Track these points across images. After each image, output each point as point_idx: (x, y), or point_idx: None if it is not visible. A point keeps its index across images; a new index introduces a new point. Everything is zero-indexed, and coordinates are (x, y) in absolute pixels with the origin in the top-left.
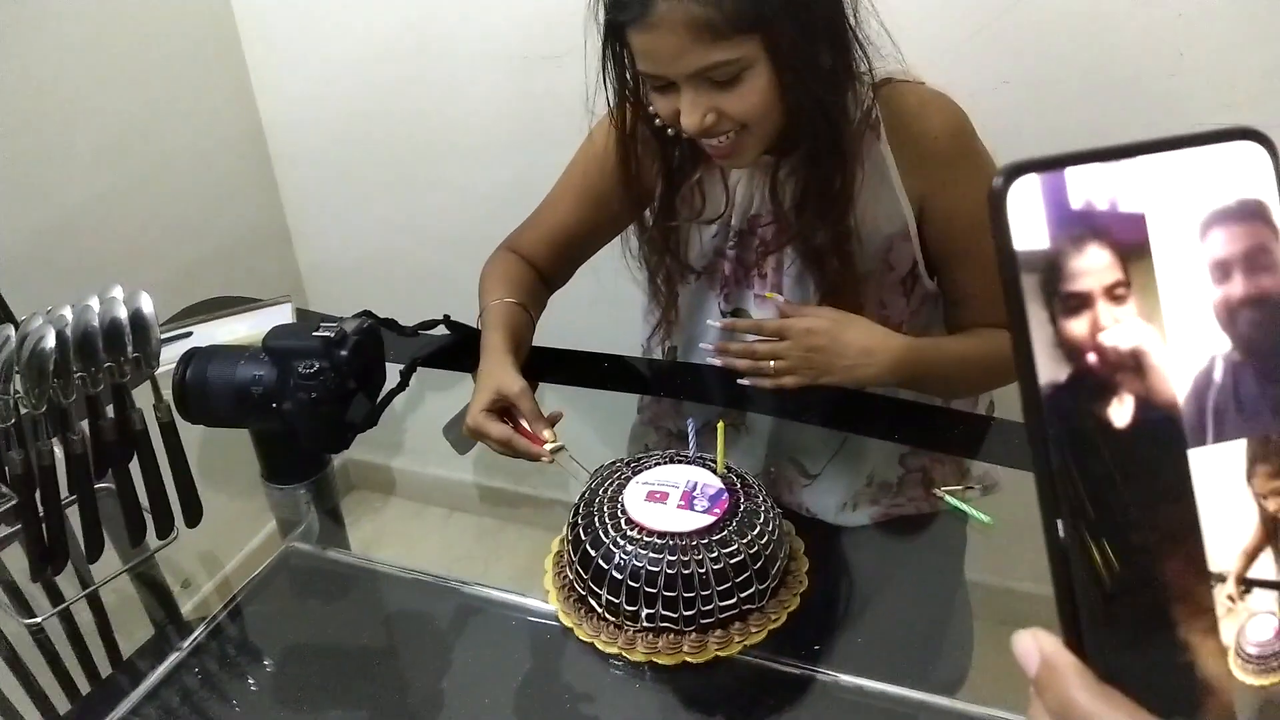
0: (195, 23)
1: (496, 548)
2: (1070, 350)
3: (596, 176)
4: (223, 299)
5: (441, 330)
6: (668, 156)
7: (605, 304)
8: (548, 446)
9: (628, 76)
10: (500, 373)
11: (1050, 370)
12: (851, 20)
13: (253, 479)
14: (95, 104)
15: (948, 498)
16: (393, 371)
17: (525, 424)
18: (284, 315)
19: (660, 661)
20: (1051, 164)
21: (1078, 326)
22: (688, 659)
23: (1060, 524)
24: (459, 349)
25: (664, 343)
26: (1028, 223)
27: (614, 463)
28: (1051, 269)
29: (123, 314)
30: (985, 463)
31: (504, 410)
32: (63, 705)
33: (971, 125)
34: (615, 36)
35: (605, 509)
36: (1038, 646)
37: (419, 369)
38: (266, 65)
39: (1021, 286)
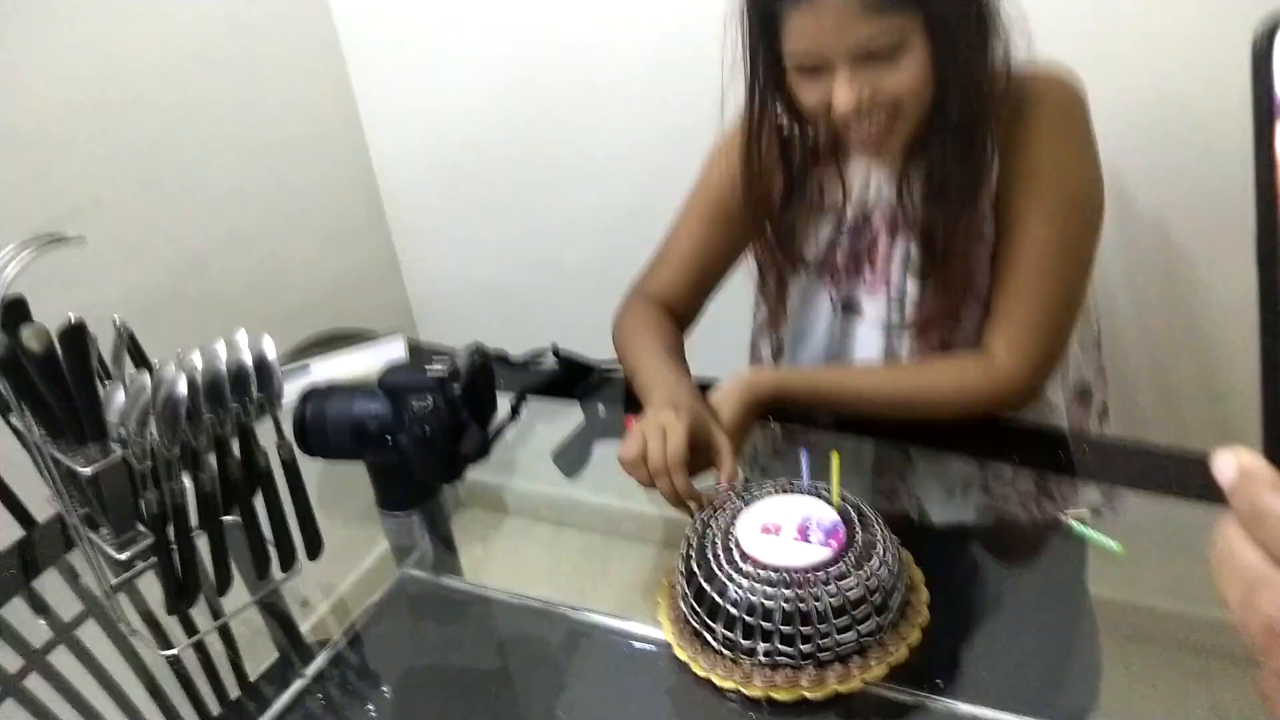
0: (310, 69)
1: (605, 564)
2: None
3: (726, 193)
4: (337, 333)
5: (549, 360)
6: (789, 160)
7: (702, 328)
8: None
9: (764, 68)
10: (698, 402)
11: None
12: (996, 4)
13: (365, 506)
14: (220, 150)
15: (1075, 525)
16: (503, 400)
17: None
18: (396, 348)
19: (778, 697)
20: None
21: None
22: (806, 694)
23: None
24: (566, 379)
25: (772, 335)
26: None
27: (725, 491)
28: None
29: (248, 359)
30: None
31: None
32: None
33: (1086, 104)
34: (768, 21)
35: (718, 542)
36: (1236, 459)
37: (528, 398)
38: (377, 104)
39: (1275, 133)
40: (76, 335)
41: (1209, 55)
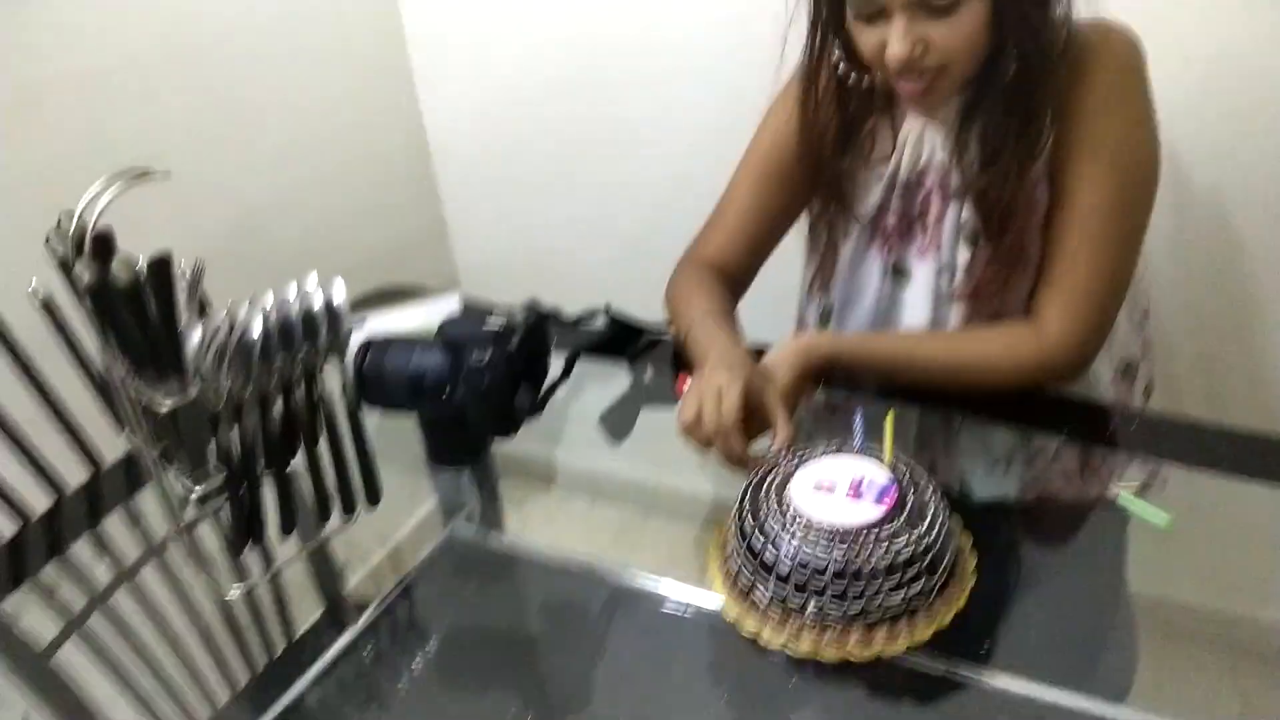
0: (365, 31)
1: (640, 538)
2: None
3: (779, 154)
4: (391, 289)
5: (601, 321)
6: (845, 102)
7: (748, 296)
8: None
9: (827, 6)
10: (758, 376)
11: None
12: None
13: (413, 461)
14: (275, 109)
15: (1122, 495)
16: (556, 358)
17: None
18: (452, 306)
19: (824, 658)
20: None
21: None
22: (853, 654)
23: None
24: (619, 340)
25: (821, 299)
26: None
27: (777, 452)
28: None
29: (318, 304)
30: (1154, 460)
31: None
32: (244, 676)
33: (1144, 64)
34: None
35: (772, 500)
36: None
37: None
38: (432, 67)
39: None
40: (163, 267)
41: (1263, 17)
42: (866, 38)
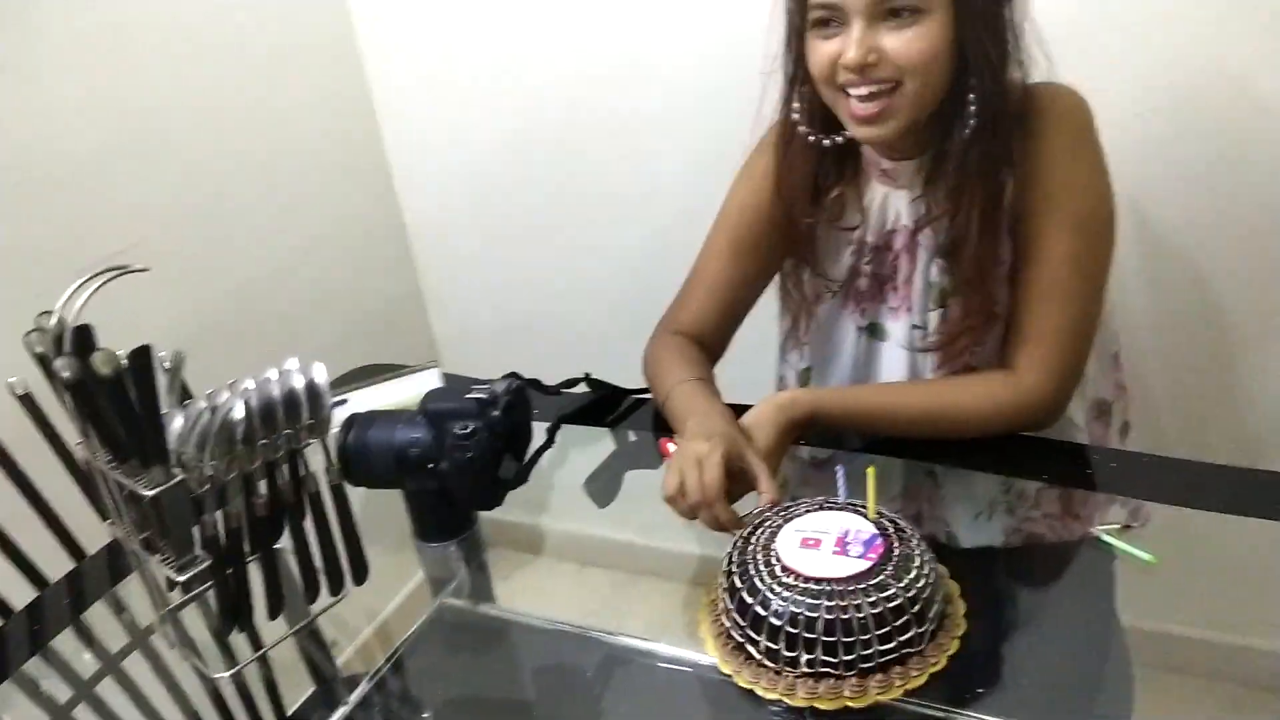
0: (336, 106)
1: (630, 600)
2: None
3: (749, 220)
4: (372, 366)
5: (582, 388)
6: (814, 161)
7: (726, 360)
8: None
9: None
10: (731, 428)
11: None
12: (1021, 22)
13: (399, 537)
14: (246, 190)
15: (1104, 537)
16: (538, 427)
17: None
18: (433, 380)
19: (822, 706)
20: None
21: None
22: (849, 703)
23: None
24: (600, 406)
25: (798, 363)
26: None
27: (762, 511)
28: None
29: (299, 384)
30: (1135, 499)
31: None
32: None
33: (1093, 121)
34: None
35: (759, 556)
36: None
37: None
38: (403, 140)
39: None
40: (143, 358)
41: (1220, 63)
42: (821, 52)
